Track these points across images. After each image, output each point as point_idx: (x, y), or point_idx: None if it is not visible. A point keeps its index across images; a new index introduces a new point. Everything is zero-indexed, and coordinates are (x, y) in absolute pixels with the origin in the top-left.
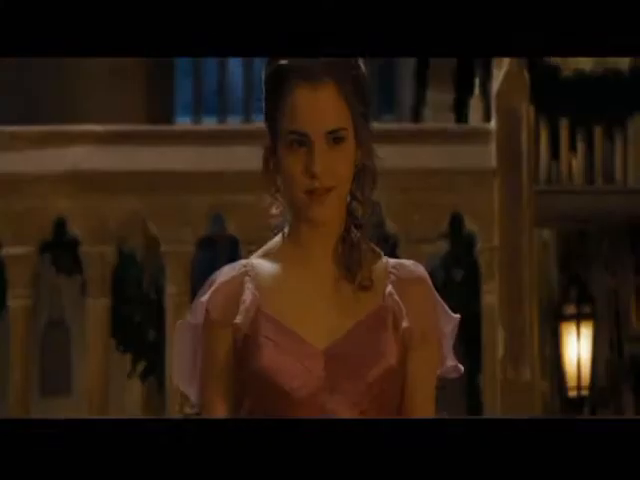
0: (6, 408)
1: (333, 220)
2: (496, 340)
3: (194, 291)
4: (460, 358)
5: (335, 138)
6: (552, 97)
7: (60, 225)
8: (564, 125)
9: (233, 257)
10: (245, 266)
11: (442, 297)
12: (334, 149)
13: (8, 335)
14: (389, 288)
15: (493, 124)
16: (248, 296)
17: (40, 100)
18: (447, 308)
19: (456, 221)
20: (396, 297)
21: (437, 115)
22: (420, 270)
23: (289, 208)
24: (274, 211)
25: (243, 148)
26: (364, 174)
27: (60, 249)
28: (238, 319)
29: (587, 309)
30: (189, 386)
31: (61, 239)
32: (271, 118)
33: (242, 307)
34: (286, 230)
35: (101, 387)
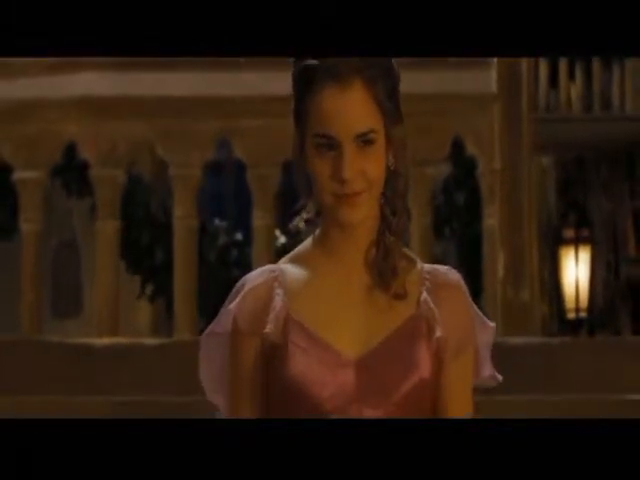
0: (20, 329)
1: (364, 223)
2: (496, 261)
3: (200, 214)
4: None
5: (365, 141)
6: None
7: (70, 149)
8: None
9: (240, 181)
10: (274, 271)
11: (445, 220)
12: (364, 152)
13: (20, 257)
14: (424, 295)
15: None
16: (278, 303)
17: None
18: (483, 316)
19: (458, 145)
20: (431, 304)
21: None
22: (456, 276)
23: (319, 211)
24: (305, 215)
25: (251, 74)
26: (396, 177)
27: (70, 173)
28: (268, 328)
29: (585, 233)
30: (216, 396)
31: (71, 163)
32: (299, 120)
33: (272, 315)
34: (316, 234)
35: (111, 308)
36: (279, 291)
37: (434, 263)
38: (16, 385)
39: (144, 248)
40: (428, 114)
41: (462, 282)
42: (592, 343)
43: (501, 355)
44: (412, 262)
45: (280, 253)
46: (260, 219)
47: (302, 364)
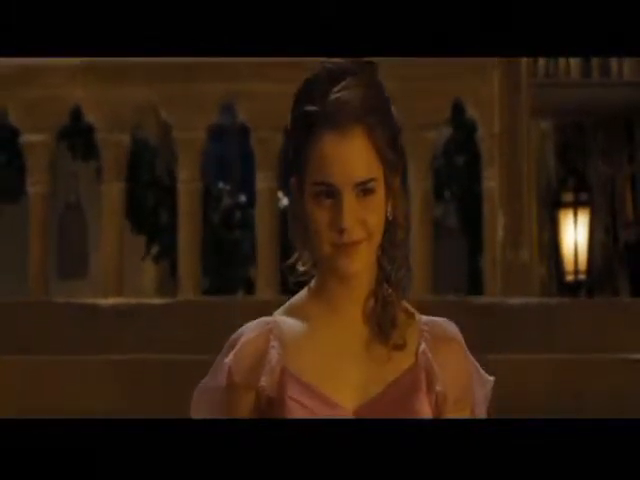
0: (26, 291)
1: (363, 273)
2: (496, 223)
3: (204, 177)
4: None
5: (365, 190)
6: None
7: (76, 113)
8: None
9: (243, 144)
10: (269, 323)
11: (445, 182)
12: (364, 201)
13: (27, 220)
14: (422, 346)
15: None
16: (274, 356)
17: None
18: (481, 370)
19: (458, 108)
20: (429, 356)
21: None
22: (453, 328)
23: (316, 262)
24: (301, 268)
25: None
26: (395, 227)
27: (76, 136)
28: (263, 381)
29: (584, 197)
30: None
31: (77, 126)
32: (297, 168)
33: (267, 367)
34: (312, 285)
35: (116, 269)
36: (275, 343)
37: (435, 225)
38: (23, 345)
39: (149, 210)
40: (428, 78)
41: (460, 335)
42: (590, 303)
43: (500, 315)
44: (411, 315)
45: (283, 214)
46: (263, 181)
47: (299, 417)
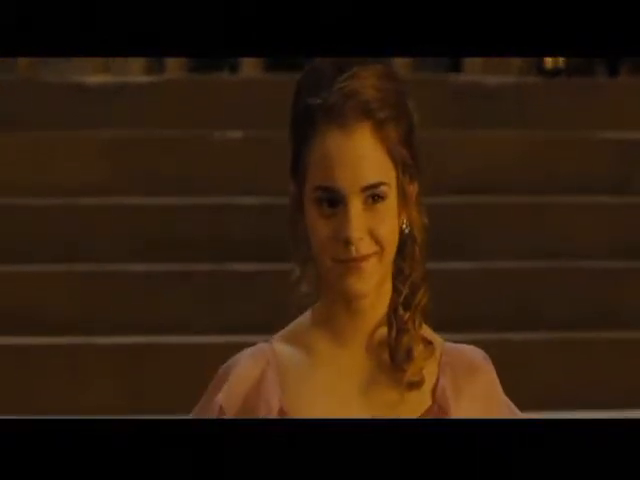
0: (15, 69)
1: (373, 296)
2: None
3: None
4: None
5: (374, 195)
6: None
7: None
8: None
9: None
10: (265, 353)
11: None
12: (373, 209)
13: None
14: (441, 383)
15: None
16: (270, 394)
17: None
18: (512, 405)
19: None
20: (448, 395)
21: None
22: (480, 358)
23: (319, 281)
24: (304, 289)
25: None
26: (411, 242)
27: None
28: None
29: None
30: None
31: None
32: (297, 171)
33: (263, 407)
34: (316, 308)
35: None
36: (272, 376)
37: None
38: (14, 121)
39: None
40: None
41: (490, 365)
42: (566, 83)
43: (478, 93)
44: (430, 345)
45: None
46: None
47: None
